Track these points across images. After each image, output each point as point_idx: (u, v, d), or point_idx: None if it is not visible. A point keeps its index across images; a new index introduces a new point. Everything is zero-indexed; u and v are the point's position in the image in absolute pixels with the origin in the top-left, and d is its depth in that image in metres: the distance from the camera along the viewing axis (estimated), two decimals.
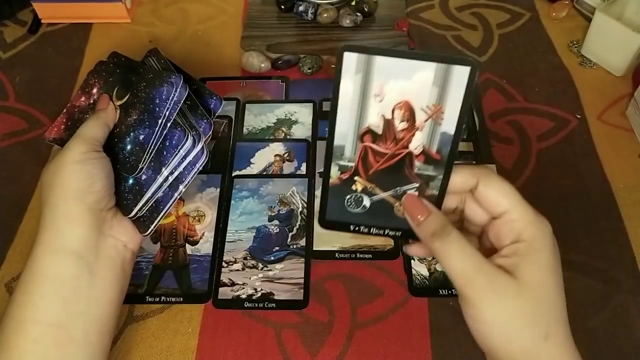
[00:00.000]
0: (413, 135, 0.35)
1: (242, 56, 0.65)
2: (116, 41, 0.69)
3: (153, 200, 0.44)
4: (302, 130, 0.58)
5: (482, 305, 0.31)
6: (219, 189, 0.53)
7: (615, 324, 0.45)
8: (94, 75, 0.49)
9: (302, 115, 0.59)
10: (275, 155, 0.56)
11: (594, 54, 0.64)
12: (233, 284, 0.47)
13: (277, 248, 0.50)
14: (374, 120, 0.34)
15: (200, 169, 0.46)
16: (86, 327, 0.38)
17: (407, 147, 0.35)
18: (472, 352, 0.43)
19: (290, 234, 0.50)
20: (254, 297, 0.47)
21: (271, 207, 0.52)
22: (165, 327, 0.46)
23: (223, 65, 0.66)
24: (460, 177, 0.34)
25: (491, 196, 0.34)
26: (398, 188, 0.36)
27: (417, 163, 0.35)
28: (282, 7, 0.68)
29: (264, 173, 0.55)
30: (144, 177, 0.44)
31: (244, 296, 0.47)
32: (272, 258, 0.49)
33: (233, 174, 0.54)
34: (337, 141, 0.35)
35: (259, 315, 0.46)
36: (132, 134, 0.44)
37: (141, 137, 0.43)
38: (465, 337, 0.41)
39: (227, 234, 0.50)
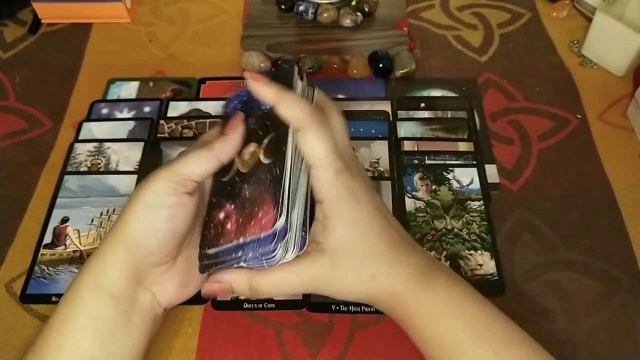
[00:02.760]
0: None
1: (242, 56, 0.64)
2: (116, 41, 0.69)
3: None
4: None
5: (324, 291, 0.37)
6: None
7: (615, 323, 0.45)
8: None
9: None
10: None
11: (594, 54, 0.64)
12: None
13: None
14: None
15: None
16: None
17: None
18: None
19: None
20: (253, 298, 0.46)
21: None
22: (165, 328, 0.46)
23: (223, 65, 0.65)
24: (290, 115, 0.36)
25: (305, 147, 0.35)
26: None
27: None
28: (282, 6, 0.68)
29: None
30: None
31: (243, 297, 0.47)
32: None
33: None
34: None
35: (258, 315, 0.46)
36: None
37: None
38: None
39: None
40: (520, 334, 0.35)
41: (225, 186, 0.38)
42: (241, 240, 0.35)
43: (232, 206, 0.37)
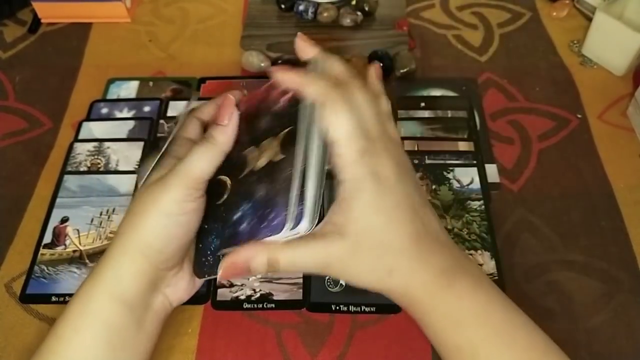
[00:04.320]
0: None
1: (242, 56, 0.64)
2: (116, 41, 0.69)
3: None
4: None
5: (336, 275, 0.36)
6: None
7: (615, 323, 0.45)
8: None
9: None
10: None
11: (594, 54, 0.64)
12: (232, 285, 0.47)
13: None
14: None
15: None
16: None
17: None
18: None
19: None
20: (252, 298, 0.47)
21: None
22: (165, 328, 0.45)
23: (223, 65, 0.65)
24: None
25: (326, 122, 0.33)
26: None
27: None
28: (282, 6, 0.68)
29: None
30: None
31: (242, 297, 0.47)
32: None
33: None
34: None
35: (258, 315, 0.46)
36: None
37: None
38: None
39: None
40: (545, 341, 0.34)
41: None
42: None
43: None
